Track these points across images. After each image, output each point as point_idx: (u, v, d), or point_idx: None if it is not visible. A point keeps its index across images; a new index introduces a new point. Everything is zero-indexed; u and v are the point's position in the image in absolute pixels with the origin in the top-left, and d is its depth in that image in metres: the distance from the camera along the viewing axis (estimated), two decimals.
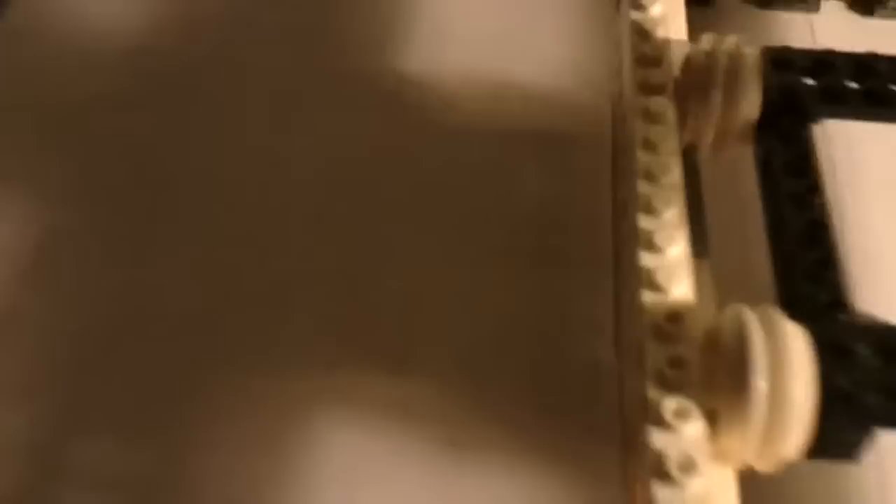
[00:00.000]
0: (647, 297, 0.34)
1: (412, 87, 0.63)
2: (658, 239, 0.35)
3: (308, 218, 0.55)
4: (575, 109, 0.61)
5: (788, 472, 0.32)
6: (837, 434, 0.31)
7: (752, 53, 0.41)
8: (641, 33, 0.43)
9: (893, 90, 0.41)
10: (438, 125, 0.61)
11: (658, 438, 0.30)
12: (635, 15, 0.44)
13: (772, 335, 0.30)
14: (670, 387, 0.31)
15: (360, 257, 0.54)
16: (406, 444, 0.46)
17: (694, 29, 0.68)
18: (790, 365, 0.30)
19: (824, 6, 0.70)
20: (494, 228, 0.56)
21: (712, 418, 0.31)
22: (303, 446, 0.45)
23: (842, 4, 0.71)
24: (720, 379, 0.31)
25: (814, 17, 0.70)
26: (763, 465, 0.31)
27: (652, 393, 0.31)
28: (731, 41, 0.41)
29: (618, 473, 0.39)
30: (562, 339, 0.50)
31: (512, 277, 0.53)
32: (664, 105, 0.40)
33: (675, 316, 0.33)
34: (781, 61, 0.41)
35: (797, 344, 0.30)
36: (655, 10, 0.44)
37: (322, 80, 0.64)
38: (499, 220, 0.56)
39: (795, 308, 0.34)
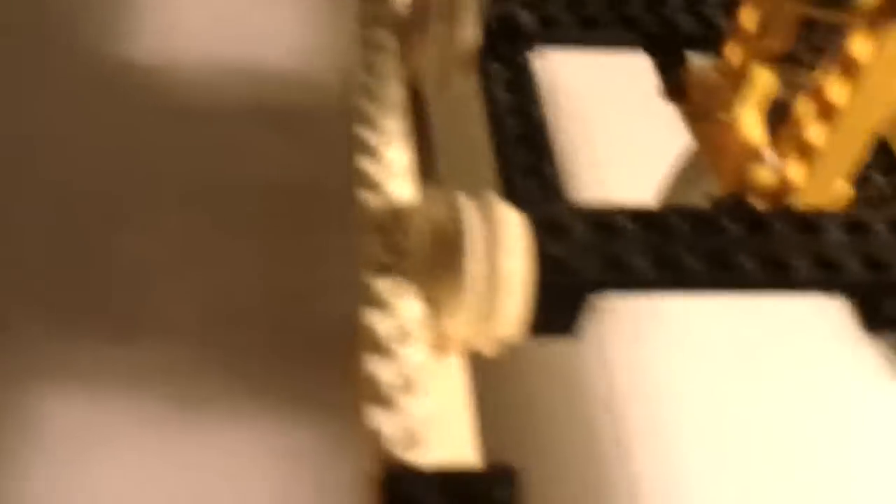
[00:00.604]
0: (362, 195, 0.33)
1: (152, 74, 0.62)
2: (376, 146, 0.35)
3: (47, 195, 0.53)
4: (310, 85, 0.61)
5: (517, 355, 0.32)
6: (556, 305, 0.31)
7: None
8: None
9: (605, 18, 0.43)
10: (178, 108, 0.60)
11: (372, 317, 0.29)
12: None
13: (486, 218, 0.30)
14: (384, 269, 0.31)
15: (98, 228, 0.52)
16: (136, 406, 0.44)
17: None
18: (503, 242, 0.30)
19: None
20: (241, 199, 0.55)
21: (434, 305, 0.30)
22: (28, 414, 0.42)
23: None
24: (438, 265, 0.31)
25: None
26: (488, 347, 0.31)
27: (367, 276, 0.30)
28: None
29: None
30: (309, 298, 0.49)
31: (260, 243, 0.52)
32: (385, 35, 0.40)
33: (394, 212, 0.33)
34: None
35: (511, 223, 0.31)
36: None
37: (58, 72, 0.61)
38: (243, 189, 0.55)
39: (516, 199, 0.34)
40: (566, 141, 0.56)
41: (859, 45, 0.31)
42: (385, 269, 0.30)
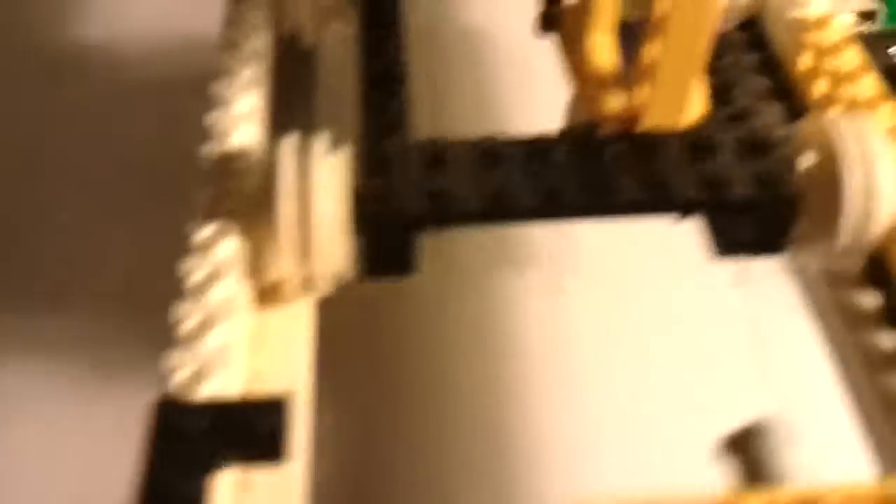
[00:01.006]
0: (208, 146, 0.34)
1: (89, 56, 0.63)
2: (226, 96, 0.35)
3: None
4: None
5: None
6: (384, 242, 0.32)
7: None
8: None
9: None
10: (122, 83, 0.61)
11: (189, 263, 0.30)
12: None
13: (301, 158, 0.31)
14: (214, 215, 0.31)
15: (31, 199, 0.53)
16: (60, 370, 0.45)
17: None
18: (315, 182, 0.30)
19: None
20: (174, 169, 0.55)
21: (256, 248, 0.31)
22: None
23: None
24: (256, 207, 0.31)
25: None
26: (321, 288, 0.32)
27: (194, 226, 0.31)
28: None
29: None
30: None
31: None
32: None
33: (230, 157, 0.33)
34: None
35: (324, 163, 0.31)
36: None
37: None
38: (178, 161, 0.56)
39: (364, 137, 0.34)
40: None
41: None
42: (210, 215, 0.31)
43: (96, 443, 0.43)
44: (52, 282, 0.49)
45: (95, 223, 0.52)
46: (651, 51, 0.33)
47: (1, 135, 0.57)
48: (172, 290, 0.47)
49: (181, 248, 0.49)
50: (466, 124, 0.58)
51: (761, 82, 0.39)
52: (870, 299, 0.34)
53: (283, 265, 0.30)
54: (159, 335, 0.46)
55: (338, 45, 0.43)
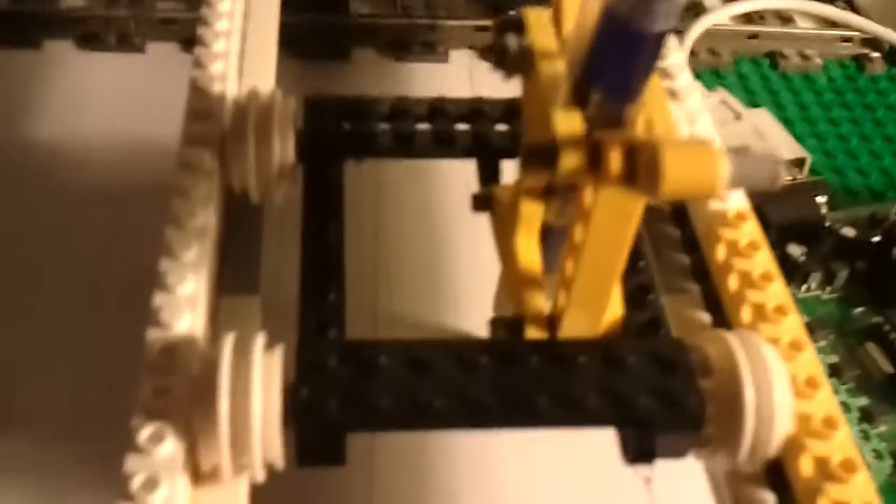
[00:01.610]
0: (151, 333, 0.36)
1: (46, 155, 0.64)
2: (170, 279, 0.37)
3: None
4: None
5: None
6: (313, 441, 0.34)
7: (284, 103, 0.44)
8: (196, 89, 0.46)
9: (420, 130, 0.45)
10: (71, 188, 0.62)
11: (132, 463, 0.32)
12: (194, 72, 0.47)
13: (242, 359, 0.33)
14: (153, 415, 0.33)
15: None
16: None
17: (334, 85, 0.73)
18: (252, 383, 0.32)
19: (453, 56, 0.76)
20: (119, 283, 0.57)
21: (193, 440, 0.33)
22: None
23: (471, 53, 0.77)
24: (198, 403, 0.33)
25: (446, 65, 0.76)
26: (253, 476, 0.34)
27: (135, 422, 0.33)
28: (269, 93, 0.44)
29: None
30: None
31: (130, 330, 0.54)
32: (199, 154, 0.42)
33: (171, 349, 0.35)
34: (316, 108, 0.45)
35: (264, 364, 0.33)
36: (216, 68, 0.47)
37: None
38: (125, 274, 0.57)
39: (301, 329, 0.37)
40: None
41: (586, 195, 0.33)
42: (151, 413, 0.33)
43: None
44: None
45: (43, 345, 0.53)
46: (568, 266, 0.36)
47: None
48: (117, 418, 0.49)
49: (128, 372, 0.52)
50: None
51: (690, 288, 0.42)
52: (768, 498, 0.37)
53: (219, 455, 0.32)
54: (97, 468, 0.48)
55: (283, 204, 0.45)
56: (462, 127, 0.45)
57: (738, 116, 0.65)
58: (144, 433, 0.32)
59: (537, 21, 0.36)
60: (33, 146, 0.64)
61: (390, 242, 0.59)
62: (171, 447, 0.32)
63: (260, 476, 0.33)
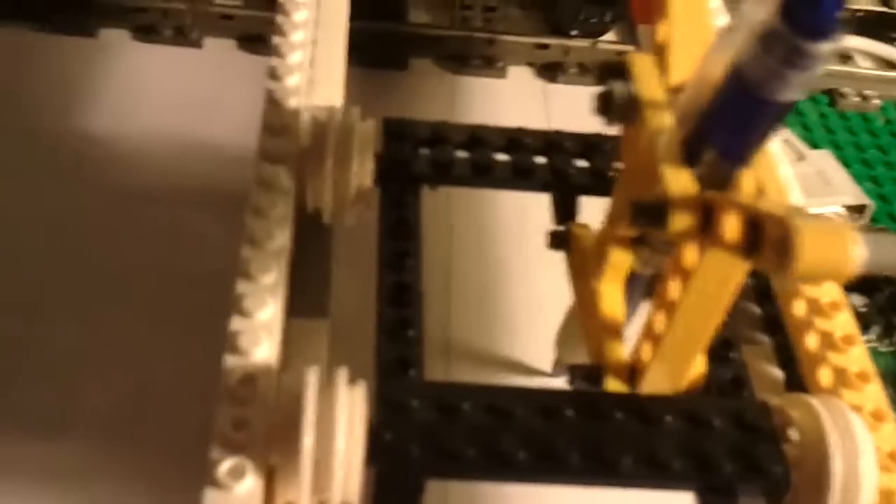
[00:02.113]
0: (229, 360, 0.35)
1: (102, 149, 0.63)
2: (249, 303, 0.37)
3: None
4: None
5: None
6: (392, 485, 0.33)
7: (365, 125, 0.43)
8: (273, 102, 0.45)
9: (498, 161, 0.44)
10: (126, 187, 0.61)
11: (212, 497, 0.31)
12: (270, 84, 0.46)
13: (326, 394, 0.32)
14: (232, 447, 0.32)
15: (27, 316, 0.53)
16: None
17: (391, 94, 0.73)
18: (338, 422, 0.32)
19: (512, 71, 0.75)
20: (176, 289, 0.56)
21: (272, 475, 0.32)
22: None
23: (528, 70, 0.76)
24: (279, 437, 0.32)
25: (503, 81, 0.75)
26: None
27: (214, 454, 0.32)
28: (349, 113, 0.43)
29: None
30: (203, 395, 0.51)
31: (185, 337, 0.54)
32: (276, 172, 0.42)
33: (250, 378, 0.34)
34: (396, 133, 0.44)
35: (349, 402, 0.32)
36: (291, 81, 0.46)
37: (8, 141, 0.63)
38: (182, 280, 0.57)
39: (379, 363, 0.36)
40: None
41: (687, 254, 0.32)
42: (230, 446, 0.32)
43: None
44: (49, 411, 0.49)
45: (95, 347, 0.52)
46: (657, 320, 0.35)
47: None
48: (168, 425, 0.49)
49: (178, 378, 0.51)
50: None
51: (761, 339, 0.42)
52: None
53: (299, 493, 0.32)
54: (154, 475, 0.47)
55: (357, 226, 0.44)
56: (540, 160, 0.44)
57: (801, 157, 0.64)
58: (224, 468, 0.32)
59: (643, 68, 0.35)
60: (83, 138, 0.64)
61: (456, 269, 0.58)
62: (251, 484, 0.32)
63: None
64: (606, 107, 0.34)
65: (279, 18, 0.50)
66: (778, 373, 0.43)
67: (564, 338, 0.49)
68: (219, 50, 0.72)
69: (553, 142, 0.45)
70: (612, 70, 0.35)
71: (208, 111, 0.66)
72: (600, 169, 0.44)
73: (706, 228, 0.30)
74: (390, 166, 0.43)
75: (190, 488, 0.45)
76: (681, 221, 0.30)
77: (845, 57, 0.80)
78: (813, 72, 0.26)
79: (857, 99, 0.77)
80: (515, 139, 0.45)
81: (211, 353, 0.52)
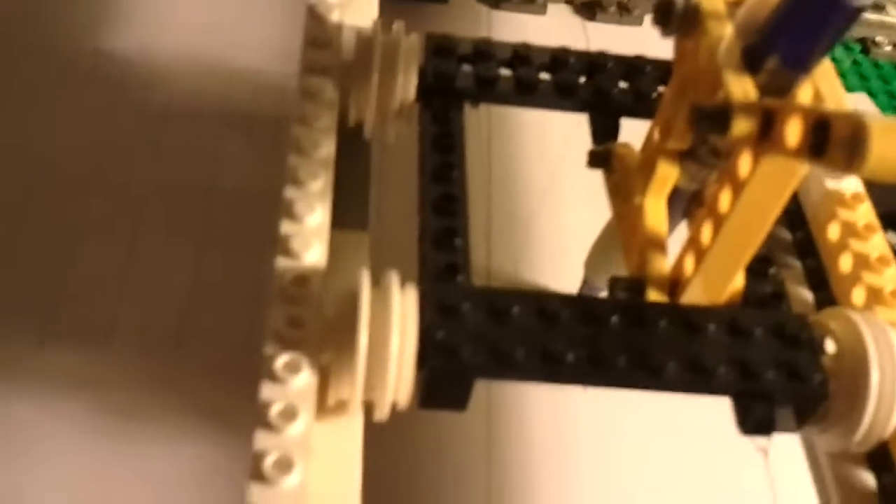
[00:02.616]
0: (281, 262, 0.35)
1: (124, 69, 0.63)
2: (298, 208, 0.37)
3: (14, 196, 0.55)
4: (282, 91, 0.62)
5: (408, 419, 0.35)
6: (442, 384, 0.34)
7: (409, 40, 0.43)
8: (315, 16, 0.45)
9: (542, 79, 0.44)
10: (146, 102, 0.62)
11: (268, 390, 0.32)
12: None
13: (379, 296, 0.33)
14: (286, 344, 0.33)
15: (67, 235, 0.54)
16: (87, 416, 0.46)
17: (430, 25, 0.72)
18: (392, 322, 0.32)
19: (551, 9, 0.75)
20: (193, 203, 0.57)
21: (324, 373, 0.33)
22: None
23: (567, 8, 0.76)
24: (333, 336, 0.33)
25: (542, 18, 0.75)
26: (377, 414, 0.34)
27: (269, 349, 0.33)
28: (395, 28, 0.44)
29: None
30: (252, 309, 0.51)
31: (202, 249, 0.54)
32: (322, 84, 0.42)
33: (302, 279, 0.35)
34: (440, 48, 0.44)
35: (402, 303, 0.33)
36: None
37: (29, 57, 0.63)
38: (199, 194, 0.57)
39: (421, 271, 0.36)
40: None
41: (741, 163, 0.32)
42: (285, 342, 0.33)
43: (112, 488, 0.45)
44: (78, 321, 0.50)
45: (121, 262, 0.53)
46: (702, 232, 0.35)
47: (28, 164, 0.57)
48: (190, 339, 0.49)
49: (205, 292, 0.52)
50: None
51: (792, 263, 0.42)
52: (869, 479, 0.37)
53: (352, 390, 0.32)
54: (171, 386, 0.48)
55: (399, 141, 0.44)
56: (583, 80, 0.45)
57: None
58: (279, 362, 0.32)
59: None
60: (115, 60, 0.64)
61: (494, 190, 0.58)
62: (306, 378, 0.32)
63: (385, 414, 0.33)
64: (666, 17, 0.34)
65: None
66: (809, 295, 0.44)
67: (596, 258, 0.50)
68: None
69: (596, 62, 0.45)
70: None
71: (235, 33, 0.66)
72: (643, 90, 0.44)
73: (765, 135, 0.30)
74: (433, 82, 0.43)
75: (232, 400, 0.46)
76: (743, 126, 0.30)
77: (879, 6, 0.80)
78: None
79: (889, 48, 0.78)
80: (559, 58, 0.45)
81: (233, 267, 0.53)
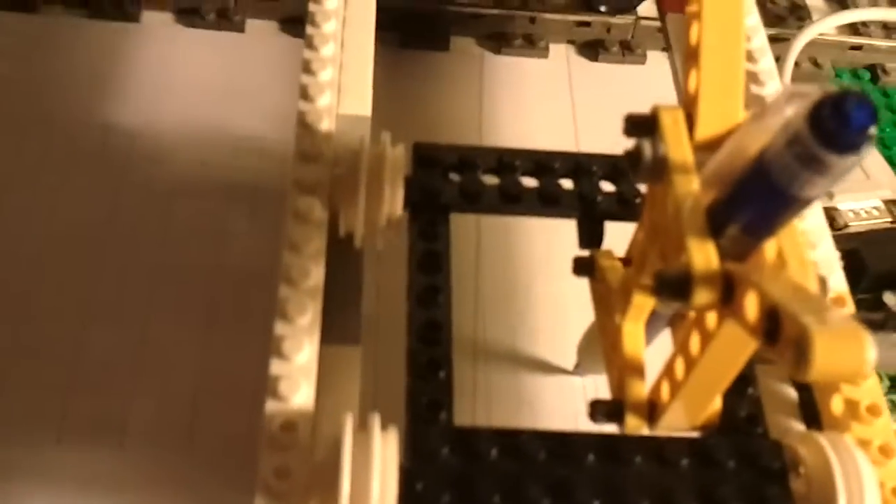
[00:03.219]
0: (270, 406, 0.37)
1: (127, 140, 0.64)
2: (287, 346, 0.38)
3: (22, 279, 0.57)
4: (284, 159, 0.63)
5: None
6: None
7: (395, 152, 0.44)
8: (305, 126, 0.46)
9: (527, 188, 0.45)
10: (153, 178, 0.63)
11: None
12: (302, 106, 0.47)
13: (361, 442, 0.34)
14: (274, 496, 0.35)
15: (78, 320, 0.55)
16: None
17: (432, 72, 0.73)
18: (371, 470, 0.34)
19: (553, 50, 0.75)
20: (200, 283, 0.58)
21: None
22: None
23: (570, 48, 0.76)
24: (319, 480, 0.35)
25: (542, 61, 0.75)
26: None
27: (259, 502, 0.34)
28: (382, 139, 0.45)
29: None
30: (256, 396, 0.53)
31: (211, 333, 0.56)
32: (310, 204, 0.43)
33: (290, 424, 0.36)
34: (425, 159, 0.45)
35: (383, 451, 0.34)
36: (322, 102, 0.47)
37: (35, 133, 0.64)
38: (206, 274, 0.59)
39: (407, 404, 0.38)
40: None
41: (708, 316, 0.33)
42: (273, 495, 0.35)
43: None
44: (85, 416, 0.51)
45: (130, 349, 0.55)
46: (677, 366, 0.36)
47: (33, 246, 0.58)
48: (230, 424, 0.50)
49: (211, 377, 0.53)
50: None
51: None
52: None
53: None
54: (183, 483, 0.49)
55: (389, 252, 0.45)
56: (567, 185, 0.45)
57: None
58: None
59: (672, 125, 0.35)
60: (124, 131, 0.65)
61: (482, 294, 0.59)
62: None
63: None
64: (634, 166, 0.35)
65: (309, 30, 0.51)
66: (793, 393, 0.44)
67: (584, 349, 0.51)
68: (262, 32, 0.73)
69: (581, 164, 0.46)
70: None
71: (243, 100, 0.67)
72: (626, 195, 0.45)
73: (727, 300, 0.31)
74: (420, 194, 0.44)
75: (242, 499, 0.48)
76: (704, 296, 0.31)
77: (891, 29, 0.79)
78: (835, 180, 0.27)
79: None
80: (543, 163, 0.46)
81: (232, 350, 0.55)
